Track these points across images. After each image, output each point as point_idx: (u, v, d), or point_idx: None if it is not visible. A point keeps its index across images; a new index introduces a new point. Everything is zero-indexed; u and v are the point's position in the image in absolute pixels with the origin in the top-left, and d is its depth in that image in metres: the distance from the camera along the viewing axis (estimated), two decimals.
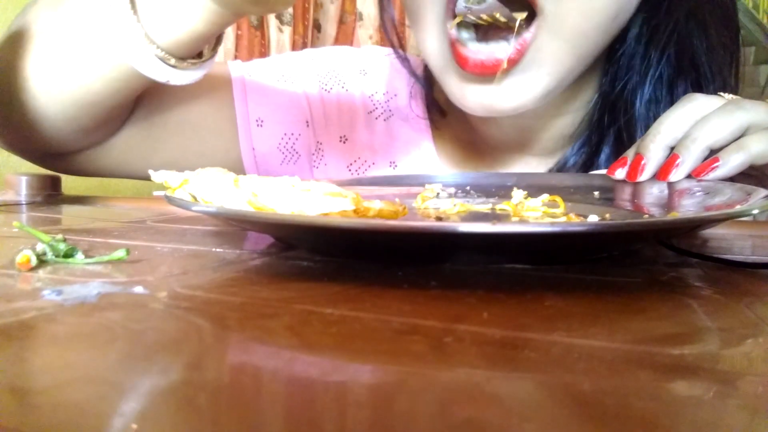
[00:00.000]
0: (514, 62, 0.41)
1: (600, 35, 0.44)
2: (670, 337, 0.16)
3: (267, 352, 0.15)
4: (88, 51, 0.41)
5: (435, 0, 0.42)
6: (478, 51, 0.41)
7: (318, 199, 0.27)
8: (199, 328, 0.17)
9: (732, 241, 0.33)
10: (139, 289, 0.20)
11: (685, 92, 0.47)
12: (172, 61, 0.39)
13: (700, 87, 0.48)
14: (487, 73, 0.41)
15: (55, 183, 0.58)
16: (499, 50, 0.41)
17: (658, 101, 0.48)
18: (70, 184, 0.59)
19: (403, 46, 0.57)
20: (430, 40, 0.43)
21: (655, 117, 0.46)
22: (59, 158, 0.51)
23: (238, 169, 0.55)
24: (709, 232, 0.36)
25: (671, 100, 0.48)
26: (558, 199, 0.37)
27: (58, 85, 0.43)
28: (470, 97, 0.43)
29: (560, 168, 0.52)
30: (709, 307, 0.19)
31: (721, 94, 0.40)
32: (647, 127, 0.45)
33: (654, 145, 0.38)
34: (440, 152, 0.58)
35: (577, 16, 0.41)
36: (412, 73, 0.57)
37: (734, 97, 0.40)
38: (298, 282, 0.22)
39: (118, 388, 0.13)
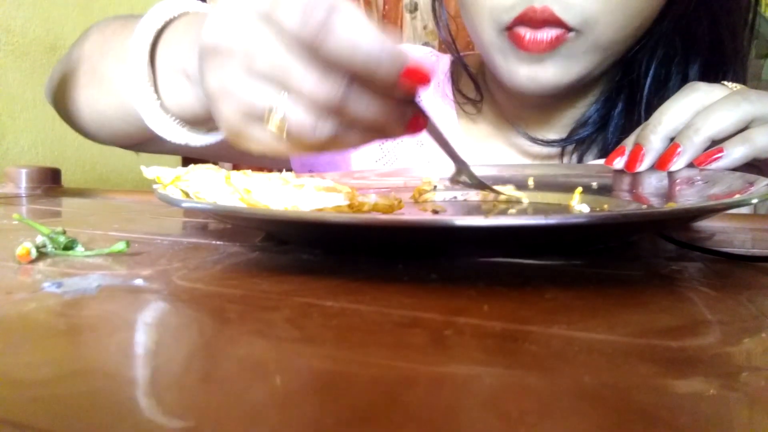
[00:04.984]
0: (560, 40, 0.46)
1: (629, 39, 0.48)
2: (671, 330, 0.16)
3: (267, 345, 0.15)
4: (124, 114, 0.47)
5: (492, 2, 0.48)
6: (528, 32, 0.47)
7: (312, 194, 0.26)
8: (199, 320, 0.17)
9: (732, 234, 0.32)
10: (138, 282, 0.20)
11: (699, 54, 0.51)
12: (187, 128, 0.43)
13: (715, 50, 0.51)
14: (540, 50, 0.46)
15: (55, 175, 0.58)
16: (546, 35, 0.46)
17: (671, 59, 0.52)
18: (70, 176, 0.59)
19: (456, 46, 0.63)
20: (487, 29, 0.49)
21: (667, 75, 0.51)
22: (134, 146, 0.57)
23: (286, 156, 0.62)
24: (710, 224, 0.36)
25: (686, 61, 0.51)
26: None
27: (106, 125, 0.50)
28: (522, 73, 0.49)
29: (581, 124, 0.56)
30: (710, 300, 0.19)
31: (725, 83, 0.40)
32: (658, 86, 0.50)
33: (654, 136, 0.38)
34: (466, 132, 0.62)
35: (608, 31, 0.45)
36: (459, 59, 0.62)
37: (738, 86, 0.40)
38: (298, 275, 0.22)
39: (117, 380, 0.13)
